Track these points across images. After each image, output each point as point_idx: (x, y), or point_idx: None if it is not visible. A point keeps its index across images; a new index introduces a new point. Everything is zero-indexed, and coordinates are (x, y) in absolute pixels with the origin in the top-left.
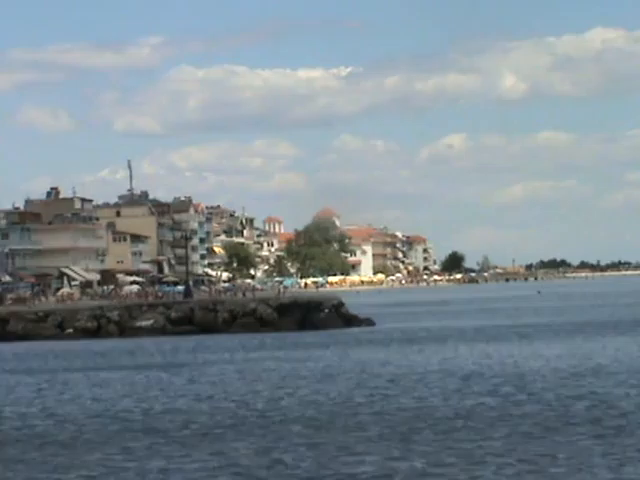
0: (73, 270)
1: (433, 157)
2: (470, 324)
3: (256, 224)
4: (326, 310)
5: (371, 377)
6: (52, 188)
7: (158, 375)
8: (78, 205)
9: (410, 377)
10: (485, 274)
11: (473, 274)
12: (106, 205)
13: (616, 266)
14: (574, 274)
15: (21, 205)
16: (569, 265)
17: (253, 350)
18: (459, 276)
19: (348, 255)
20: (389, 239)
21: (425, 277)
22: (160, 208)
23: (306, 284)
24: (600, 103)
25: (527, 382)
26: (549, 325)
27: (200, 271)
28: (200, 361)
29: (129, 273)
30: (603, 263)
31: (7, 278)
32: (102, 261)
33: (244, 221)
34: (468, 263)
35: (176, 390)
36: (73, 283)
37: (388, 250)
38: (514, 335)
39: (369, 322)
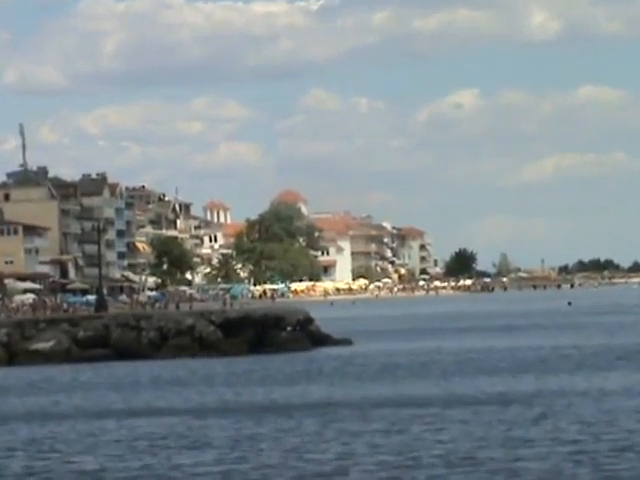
0: None
1: (435, 121)
2: (485, 344)
3: (194, 212)
4: (289, 328)
5: None
6: None
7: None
8: None
9: None
10: (504, 279)
11: (488, 279)
12: None
13: None
14: (625, 279)
15: None
16: (618, 267)
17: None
18: (469, 282)
19: (319, 254)
20: (374, 232)
21: (423, 283)
22: (64, 190)
23: (262, 293)
24: None
25: None
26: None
27: (118, 275)
28: None
29: (21, 278)
30: None
31: None
32: None
33: (178, 208)
34: (481, 265)
35: None
36: None
37: (373, 247)
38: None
39: (345, 343)
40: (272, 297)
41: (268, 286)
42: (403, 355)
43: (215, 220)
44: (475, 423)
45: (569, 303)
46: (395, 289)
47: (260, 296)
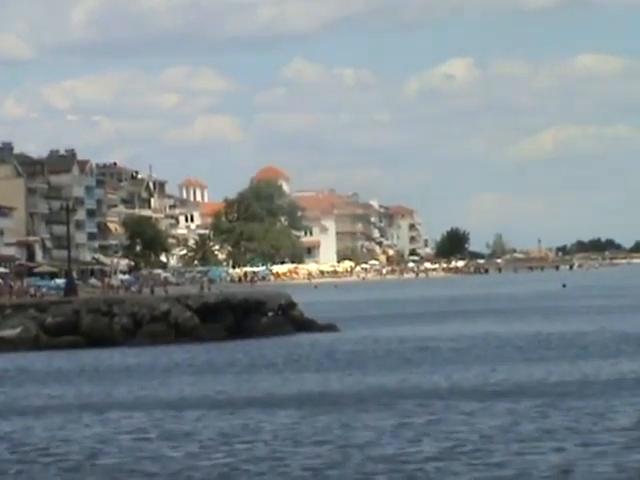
0: None
1: (425, 93)
2: (477, 330)
3: (169, 190)
4: (270, 313)
5: None
6: None
7: None
8: None
9: None
10: (499, 260)
11: (481, 261)
12: None
13: None
14: (626, 260)
15: None
16: (619, 247)
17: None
18: (461, 264)
19: (301, 234)
20: (360, 211)
21: (412, 265)
22: (30, 167)
23: (242, 276)
24: None
25: None
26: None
27: (88, 258)
28: None
29: None
30: None
31: None
32: None
33: (152, 186)
34: (474, 245)
35: None
36: None
37: (359, 227)
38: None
39: (330, 328)
40: (252, 280)
41: (248, 269)
42: (396, 342)
43: (191, 199)
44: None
45: (564, 285)
46: (384, 271)
47: (240, 279)
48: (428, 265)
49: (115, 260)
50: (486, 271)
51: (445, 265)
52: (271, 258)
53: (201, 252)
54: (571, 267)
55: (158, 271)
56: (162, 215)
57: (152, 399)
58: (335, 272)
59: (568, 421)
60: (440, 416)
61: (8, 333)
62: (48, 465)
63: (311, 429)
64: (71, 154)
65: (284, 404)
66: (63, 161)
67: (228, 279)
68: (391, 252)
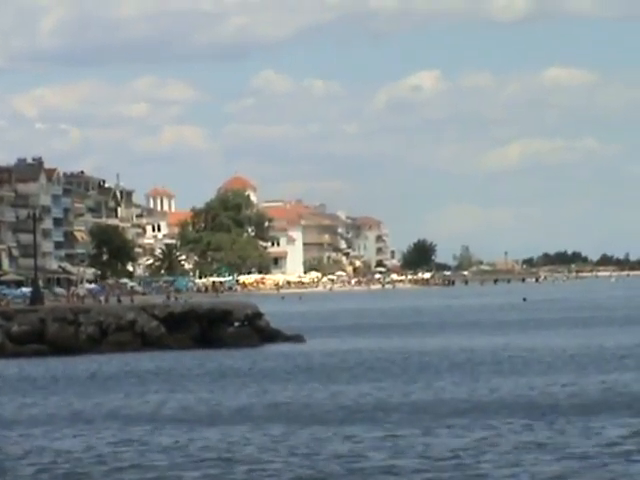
0: None
1: (393, 104)
2: (436, 342)
3: (136, 199)
4: (236, 323)
5: None
6: None
7: None
8: None
9: None
10: (465, 273)
11: (448, 273)
12: None
13: None
14: (593, 273)
15: None
16: (585, 260)
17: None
18: (427, 275)
19: (269, 244)
20: (328, 222)
21: (379, 276)
22: None
23: (208, 286)
24: (631, 28)
25: None
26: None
27: (55, 266)
28: None
29: None
30: (634, 258)
31: None
32: None
33: (119, 195)
34: (441, 257)
35: None
36: None
37: (326, 237)
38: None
39: (297, 339)
40: (217, 290)
41: (215, 279)
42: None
43: (158, 208)
44: None
45: (524, 299)
46: (352, 282)
47: (206, 289)
48: (395, 277)
49: (81, 269)
50: (453, 283)
51: (412, 277)
52: (238, 268)
53: (168, 262)
54: (537, 279)
55: (124, 280)
56: (129, 224)
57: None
58: (302, 283)
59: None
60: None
61: None
62: None
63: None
64: (38, 162)
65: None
66: (30, 169)
67: (194, 289)
68: (358, 263)
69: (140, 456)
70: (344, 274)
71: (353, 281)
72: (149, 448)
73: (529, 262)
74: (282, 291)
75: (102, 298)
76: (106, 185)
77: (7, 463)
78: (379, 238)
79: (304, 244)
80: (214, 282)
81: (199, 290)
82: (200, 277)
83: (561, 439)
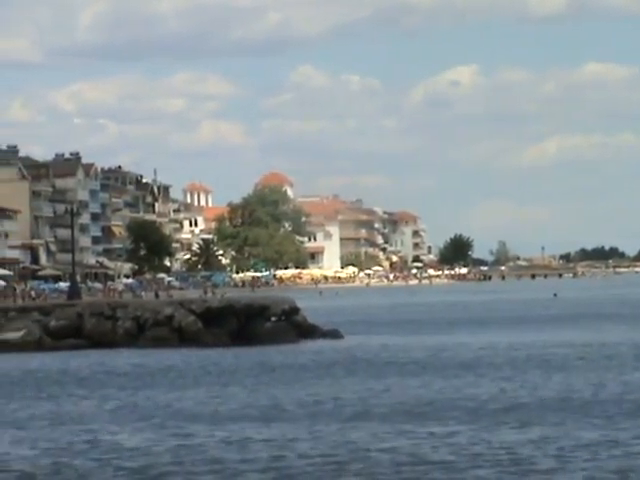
0: None
1: (430, 99)
2: (498, 340)
3: (173, 194)
4: (273, 318)
5: None
6: None
7: None
8: None
9: None
10: (502, 268)
11: (485, 268)
12: None
13: None
14: (631, 268)
15: None
16: (622, 255)
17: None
18: (464, 270)
19: (305, 240)
20: (364, 217)
21: (416, 272)
22: (35, 170)
23: (245, 281)
24: None
25: None
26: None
27: (92, 261)
28: None
29: None
30: None
31: None
32: None
33: (156, 190)
34: (477, 252)
35: None
36: None
37: (363, 233)
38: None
39: (334, 335)
40: (252, 285)
41: (251, 273)
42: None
43: (196, 203)
44: None
45: (555, 295)
46: (391, 277)
47: (243, 284)
48: (431, 272)
49: (119, 264)
50: (489, 278)
51: (448, 272)
52: (275, 263)
53: (205, 257)
54: (574, 275)
55: (162, 275)
56: (166, 219)
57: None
58: (338, 278)
59: None
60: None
61: (12, 336)
62: None
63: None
64: (76, 158)
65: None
66: (68, 164)
67: (231, 284)
68: (395, 258)
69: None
70: (381, 269)
71: (390, 276)
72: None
73: (566, 257)
74: (321, 286)
75: (143, 293)
76: (143, 180)
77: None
78: (416, 233)
79: (341, 239)
80: (253, 277)
81: (236, 285)
82: (237, 272)
83: None
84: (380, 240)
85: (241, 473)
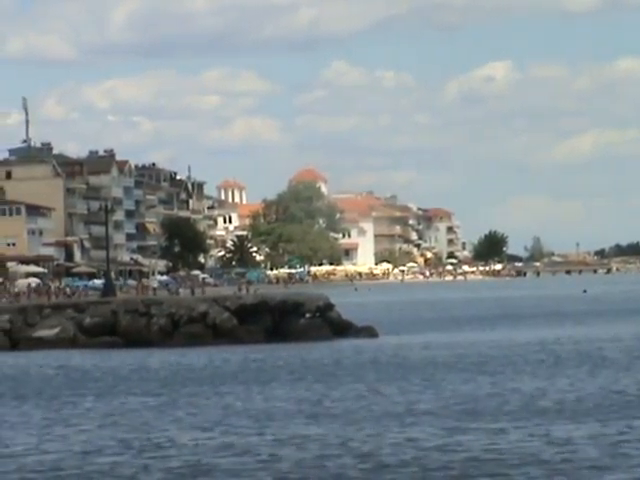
0: None
1: (464, 95)
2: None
3: (207, 191)
4: (308, 315)
5: None
6: None
7: None
8: None
9: None
10: (537, 264)
11: (519, 264)
12: None
13: None
14: None
15: None
16: None
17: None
18: (499, 267)
19: (340, 236)
20: (399, 213)
21: (450, 268)
22: (70, 167)
23: (280, 277)
24: None
25: None
26: None
27: (127, 258)
28: None
29: (24, 261)
30: None
31: None
32: None
33: (190, 187)
34: (512, 248)
35: None
36: None
37: (397, 229)
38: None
39: (369, 332)
40: (285, 282)
41: (286, 270)
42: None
43: (230, 200)
44: None
45: (584, 291)
46: (427, 273)
47: (277, 281)
48: (466, 268)
49: (153, 261)
50: (524, 274)
51: (483, 268)
52: (309, 260)
53: (239, 253)
54: (608, 271)
55: (196, 272)
56: (200, 216)
57: None
58: (373, 274)
59: None
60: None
61: (46, 333)
62: None
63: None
64: (110, 155)
65: None
66: (102, 162)
67: (266, 280)
68: (429, 255)
69: None
70: (415, 265)
71: (425, 272)
72: None
73: (601, 253)
74: (356, 282)
75: (168, 290)
76: (177, 177)
77: None
78: (450, 229)
79: (375, 235)
80: (289, 274)
81: (270, 282)
82: (271, 269)
83: None
84: (414, 236)
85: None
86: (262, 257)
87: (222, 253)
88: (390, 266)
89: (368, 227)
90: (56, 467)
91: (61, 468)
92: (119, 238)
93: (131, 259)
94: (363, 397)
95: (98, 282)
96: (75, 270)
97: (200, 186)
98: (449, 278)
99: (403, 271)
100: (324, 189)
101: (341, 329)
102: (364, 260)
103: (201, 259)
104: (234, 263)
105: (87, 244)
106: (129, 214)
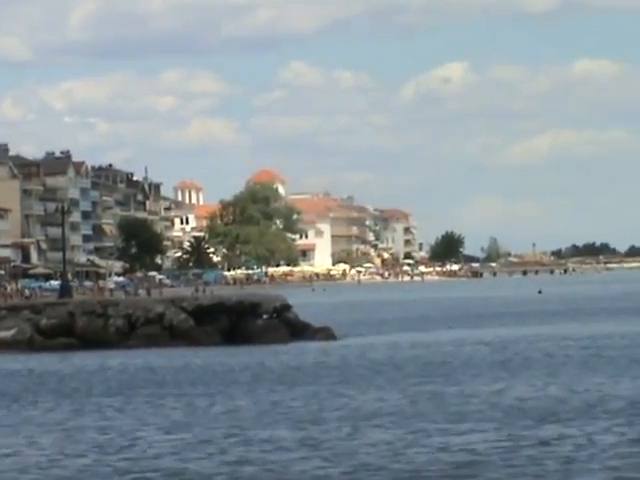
0: None
1: (422, 96)
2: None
3: (164, 192)
4: (265, 316)
5: None
6: None
7: None
8: None
9: None
10: (493, 264)
11: (476, 265)
12: None
13: None
14: (621, 264)
15: None
16: (614, 252)
17: None
18: (456, 267)
19: (297, 237)
20: (356, 214)
21: (408, 268)
22: (26, 169)
23: (236, 278)
24: None
25: None
26: None
27: (83, 260)
28: None
29: None
30: None
31: None
32: None
33: (147, 188)
34: (469, 249)
35: None
36: None
37: (354, 230)
38: None
39: (326, 333)
40: (241, 283)
41: (242, 271)
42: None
43: (187, 201)
44: None
45: (539, 292)
46: (384, 274)
47: (234, 282)
48: (423, 269)
49: (110, 262)
50: (481, 275)
51: (440, 269)
52: (266, 261)
53: (196, 254)
54: (565, 271)
55: (153, 273)
56: (157, 217)
57: None
58: (330, 275)
59: None
60: None
61: (2, 334)
62: None
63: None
64: (67, 156)
65: None
66: (59, 163)
67: (223, 281)
68: (386, 255)
69: None
70: (372, 266)
71: (382, 273)
72: None
73: (557, 254)
74: (315, 283)
75: (125, 292)
76: (134, 178)
77: None
78: (407, 230)
79: (332, 236)
80: (246, 275)
81: (227, 283)
82: (229, 270)
83: None
84: (371, 237)
85: None
86: (219, 258)
87: (179, 254)
88: (347, 267)
89: (325, 228)
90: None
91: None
92: (76, 239)
93: (88, 260)
94: (320, 399)
95: (55, 283)
96: (32, 271)
97: (157, 187)
98: (406, 279)
99: (360, 272)
100: (281, 190)
101: (298, 330)
102: (321, 261)
103: (158, 260)
104: (191, 264)
105: (44, 245)
106: (86, 215)
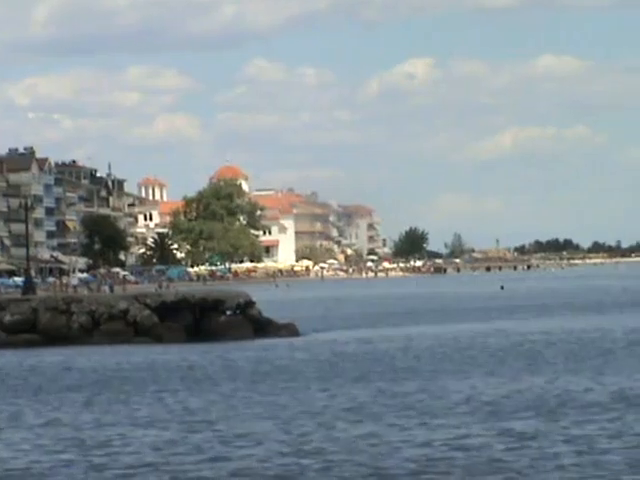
0: None
1: (385, 92)
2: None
3: (128, 189)
4: (228, 312)
5: None
6: None
7: None
8: None
9: None
10: (457, 260)
11: (440, 260)
12: None
13: None
14: (584, 260)
15: None
16: (577, 247)
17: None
18: (419, 263)
19: (260, 233)
20: (319, 210)
21: (371, 265)
22: None
23: (200, 275)
24: (624, 16)
25: None
26: None
27: (47, 256)
28: None
29: None
30: (626, 244)
31: None
32: None
33: (111, 184)
34: (432, 245)
35: None
36: None
37: (318, 226)
38: None
39: (290, 330)
40: (205, 279)
41: (206, 267)
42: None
43: (150, 197)
44: None
45: (502, 287)
46: (348, 270)
47: (198, 278)
48: (386, 265)
49: (74, 258)
50: (444, 271)
51: (403, 265)
52: (230, 257)
53: (160, 251)
54: (529, 267)
55: (117, 269)
56: (121, 214)
57: None
58: (293, 271)
59: None
60: None
61: None
62: None
63: None
64: (30, 152)
65: None
66: (22, 159)
67: (187, 278)
68: (349, 251)
69: None
70: (336, 262)
71: (345, 269)
72: None
73: (521, 250)
74: (279, 280)
75: (88, 288)
76: (98, 174)
77: None
78: (371, 226)
79: (296, 232)
80: (210, 271)
81: (191, 279)
82: (192, 266)
83: None
84: (335, 233)
85: None
86: (183, 254)
87: (143, 250)
88: (311, 263)
89: (289, 224)
90: None
91: None
92: (39, 236)
93: (51, 257)
94: (278, 395)
95: (18, 280)
96: None
97: (120, 184)
98: (370, 275)
99: (324, 268)
100: (245, 186)
101: (262, 326)
102: (285, 257)
103: (122, 256)
104: (155, 260)
105: (7, 242)
106: (49, 212)
